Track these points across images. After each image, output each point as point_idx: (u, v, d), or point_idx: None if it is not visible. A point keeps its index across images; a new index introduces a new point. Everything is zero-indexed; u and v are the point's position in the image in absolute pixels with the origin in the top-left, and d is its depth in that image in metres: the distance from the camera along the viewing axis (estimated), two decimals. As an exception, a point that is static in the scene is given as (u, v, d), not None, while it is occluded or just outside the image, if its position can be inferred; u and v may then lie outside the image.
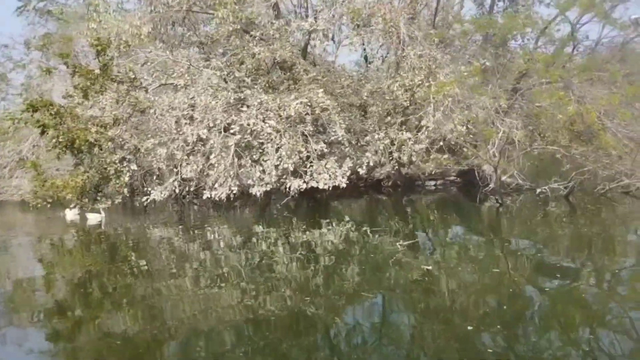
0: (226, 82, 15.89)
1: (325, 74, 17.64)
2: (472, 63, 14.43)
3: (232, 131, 13.66)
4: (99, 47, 14.21)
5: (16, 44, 26.67)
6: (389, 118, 14.82)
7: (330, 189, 13.36)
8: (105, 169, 14.94)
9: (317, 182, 13.30)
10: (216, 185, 13.88)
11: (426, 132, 13.31)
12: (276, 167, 13.51)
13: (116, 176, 15.00)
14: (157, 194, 15.28)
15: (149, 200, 15.51)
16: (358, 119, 16.09)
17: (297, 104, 13.39)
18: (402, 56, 14.03)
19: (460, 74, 12.78)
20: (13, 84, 45.18)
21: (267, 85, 16.42)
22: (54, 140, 15.23)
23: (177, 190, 15.52)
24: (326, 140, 14.20)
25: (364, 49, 21.69)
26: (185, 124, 15.19)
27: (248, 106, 14.61)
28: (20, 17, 25.36)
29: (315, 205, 15.49)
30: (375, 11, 13.31)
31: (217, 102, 14.84)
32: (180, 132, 14.86)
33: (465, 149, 13.76)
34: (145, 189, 16.02)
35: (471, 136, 13.28)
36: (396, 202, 16.33)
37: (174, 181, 15.35)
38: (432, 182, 17.32)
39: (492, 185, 13.04)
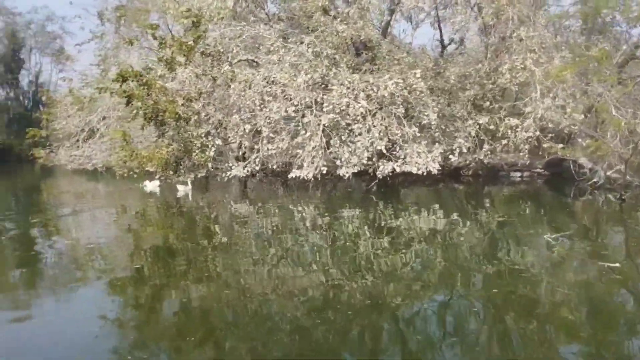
0: (310, 60, 15.59)
1: (406, 55, 17.13)
2: (576, 48, 13.55)
3: (323, 109, 13.32)
4: (194, 18, 14.04)
5: (89, 15, 27.07)
6: (487, 103, 14.18)
7: (424, 174, 12.93)
8: (191, 142, 14.93)
9: (409, 166, 12.88)
10: (305, 165, 13.64)
11: (532, 119, 12.65)
12: (367, 148, 13.16)
13: (201, 150, 14.98)
14: (240, 169, 15.24)
15: (230, 176, 15.53)
16: (444, 103, 15.51)
17: (392, 83, 12.92)
18: (509, 37, 13.34)
19: (579, 59, 11.99)
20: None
21: (349, 65, 16.01)
22: (135, 112, 15.31)
23: (257, 168, 15.46)
24: (416, 124, 13.71)
25: (440, 32, 20.99)
26: (269, 100, 15.03)
27: (333, 85, 14.28)
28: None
29: (387, 190, 14.97)
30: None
31: (302, 80, 14.59)
32: (267, 109, 14.70)
33: (579, 140, 13.00)
34: (224, 164, 16.02)
35: (576, 125, 12.48)
36: (477, 192, 15.67)
37: (255, 158, 15.27)
38: (518, 174, 16.53)
39: (597, 180, 12.28)
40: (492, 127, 13.59)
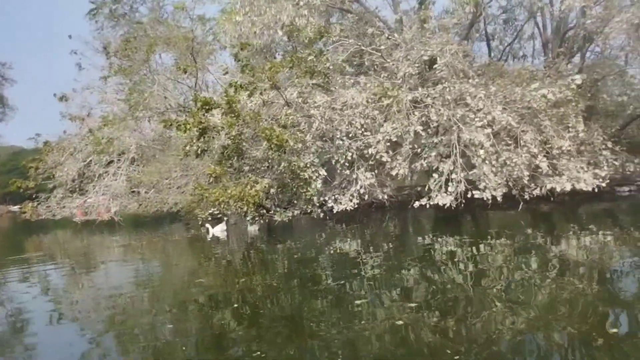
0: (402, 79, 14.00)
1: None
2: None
3: (476, 124, 11.62)
4: (318, 35, 12.08)
5: (87, 49, 24.31)
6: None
7: (595, 191, 11.49)
8: (295, 174, 12.56)
9: (577, 183, 11.40)
10: (444, 190, 11.73)
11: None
12: (522, 165, 11.53)
13: (307, 183, 12.64)
14: (347, 202, 13.07)
15: (338, 210, 13.23)
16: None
17: (548, 92, 11.56)
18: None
19: None
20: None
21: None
22: (189, 147, 12.95)
23: (365, 198, 13.37)
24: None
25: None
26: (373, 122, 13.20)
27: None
28: (89, 21, 23.01)
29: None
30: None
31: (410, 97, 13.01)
32: (380, 130, 12.81)
33: None
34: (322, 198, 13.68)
35: None
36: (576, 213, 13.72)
37: (360, 189, 13.20)
38: (626, 188, 15.47)
39: None
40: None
